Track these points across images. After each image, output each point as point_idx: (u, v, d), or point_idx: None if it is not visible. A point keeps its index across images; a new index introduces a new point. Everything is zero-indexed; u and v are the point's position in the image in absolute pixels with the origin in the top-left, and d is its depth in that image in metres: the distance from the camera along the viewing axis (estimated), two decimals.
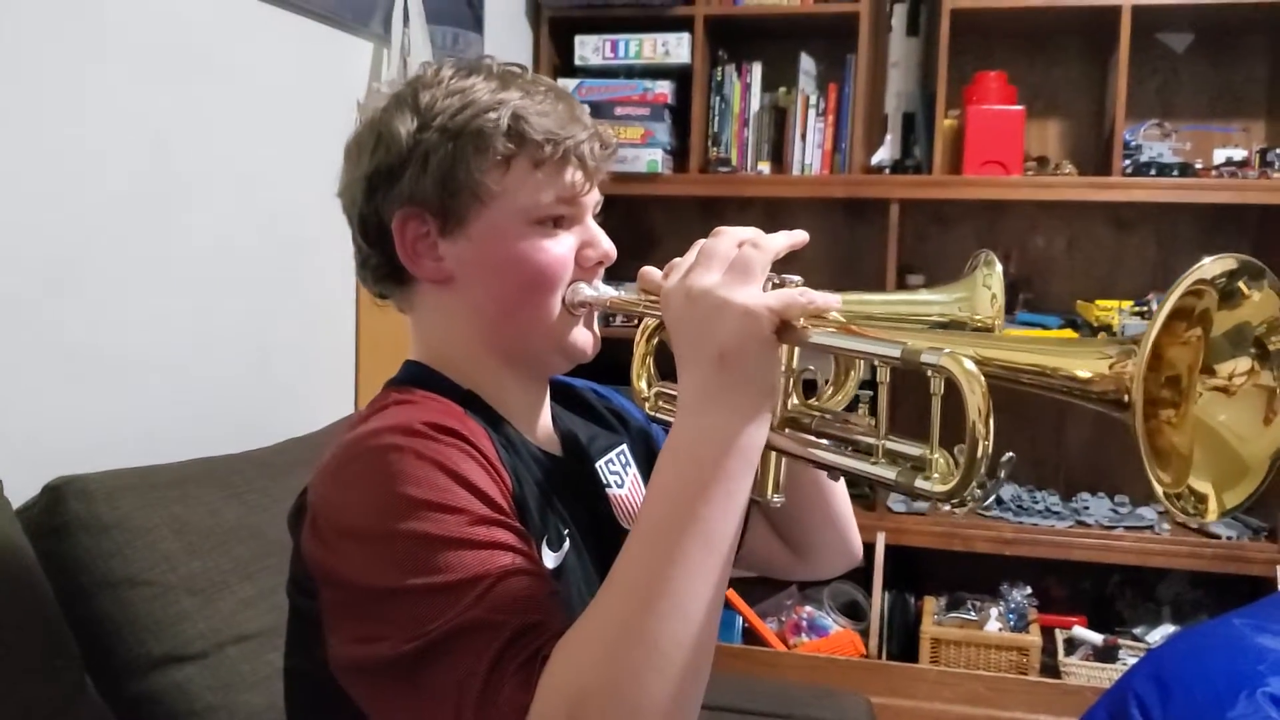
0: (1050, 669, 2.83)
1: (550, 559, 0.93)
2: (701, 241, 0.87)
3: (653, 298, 0.95)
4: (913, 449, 0.83)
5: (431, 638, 0.77)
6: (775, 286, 0.85)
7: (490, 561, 0.80)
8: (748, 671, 2.80)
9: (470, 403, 0.97)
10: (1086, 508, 3.04)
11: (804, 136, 3.13)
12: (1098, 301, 2.94)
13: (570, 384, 1.18)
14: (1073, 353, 0.72)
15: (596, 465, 1.09)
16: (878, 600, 2.95)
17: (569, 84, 3.10)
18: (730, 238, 0.85)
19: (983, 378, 0.73)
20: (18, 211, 1.46)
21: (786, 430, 0.91)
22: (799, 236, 0.89)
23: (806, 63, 3.20)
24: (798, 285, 0.85)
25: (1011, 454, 0.75)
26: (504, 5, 2.99)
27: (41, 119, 1.49)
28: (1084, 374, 0.69)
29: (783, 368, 0.89)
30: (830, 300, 0.84)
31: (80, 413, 1.57)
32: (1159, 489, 0.63)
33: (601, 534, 1.01)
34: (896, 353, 0.78)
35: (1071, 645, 2.89)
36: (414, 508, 0.81)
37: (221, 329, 1.86)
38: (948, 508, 0.76)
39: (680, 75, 3.13)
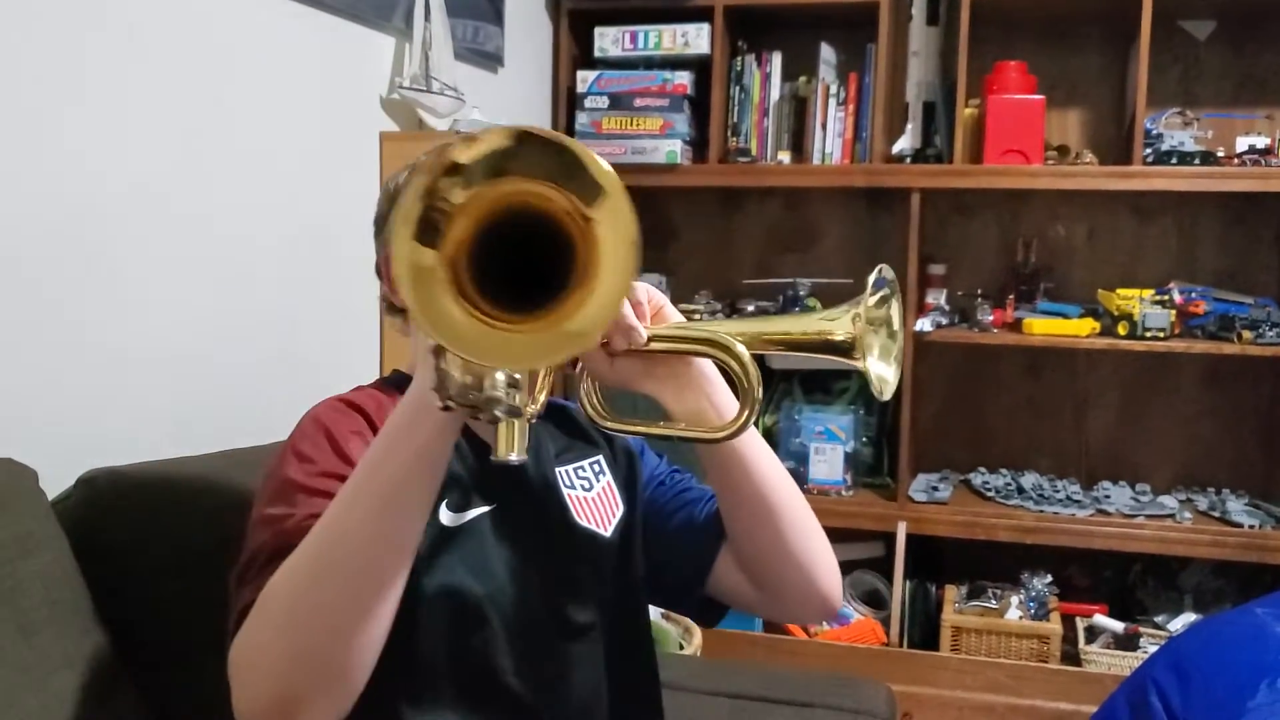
0: (1071, 657, 2.84)
1: (448, 517, 1.07)
2: None
3: None
4: None
5: (245, 559, 0.93)
6: None
7: (309, 504, 0.93)
8: (769, 660, 2.82)
9: None
10: (1108, 496, 3.04)
11: (824, 126, 3.13)
12: (1118, 290, 2.93)
13: (565, 405, 1.26)
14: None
15: (556, 469, 1.18)
16: (899, 589, 2.96)
17: (588, 75, 3.11)
18: None
19: None
20: (49, 208, 1.48)
21: None
22: None
23: (826, 52, 3.19)
24: None
25: None
26: None
27: (73, 118, 1.52)
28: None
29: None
30: None
31: (111, 406, 1.60)
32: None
33: (524, 516, 1.12)
34: None
35: (1092, 633, 2.89)
36: (292, 456, 0.99)
37: (247, 323, 1.88)
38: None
39: (700, 66, 3.14)
